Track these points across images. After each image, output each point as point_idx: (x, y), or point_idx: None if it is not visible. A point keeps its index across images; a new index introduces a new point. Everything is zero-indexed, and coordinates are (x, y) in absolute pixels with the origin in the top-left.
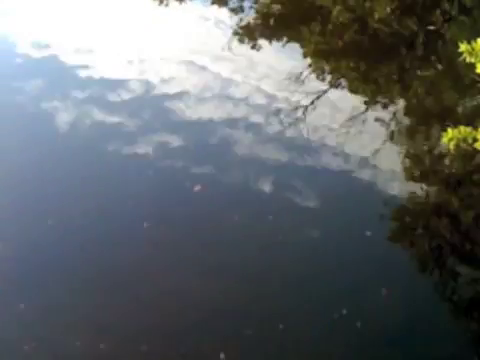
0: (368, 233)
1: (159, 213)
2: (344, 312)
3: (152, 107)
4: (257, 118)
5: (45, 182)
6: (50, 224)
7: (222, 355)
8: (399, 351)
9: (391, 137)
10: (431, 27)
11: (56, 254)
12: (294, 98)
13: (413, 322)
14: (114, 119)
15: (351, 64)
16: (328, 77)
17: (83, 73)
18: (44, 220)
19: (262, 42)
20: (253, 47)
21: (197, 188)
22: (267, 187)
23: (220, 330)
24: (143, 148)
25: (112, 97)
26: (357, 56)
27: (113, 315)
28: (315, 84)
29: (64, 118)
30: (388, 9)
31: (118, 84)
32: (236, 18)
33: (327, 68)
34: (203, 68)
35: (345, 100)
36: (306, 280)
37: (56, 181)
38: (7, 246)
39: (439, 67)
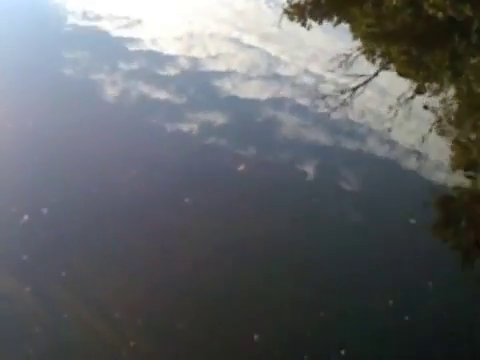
0: (412, 221)
1: (201, 190)
2: (390, 303)
3: (198, 83)
4: (303, 99)
5: (88, 153)
6: (94, 191)
7: None
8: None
9: (439, 125)
10: None
11: (104, 217)
12: (342, 80)
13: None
14: (160, 94)
15: (402, 48)
16: (378, 60)
17: (132, 46)
18: (91, 187)
19: (312, 22)
20: (303, 27)
21: (241, 167)
22: (311, 170)
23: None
24: (187, 124)
25: (159, 71)
26: (409, 40)
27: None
28: (364, 67)
29: (111, 90)
30: None
31: (165, 59)
32: None
33: (377, 51)
34: (251, 46)
35: (394, 85)
36: (351, 267)
37: (100, 152)
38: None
39: None
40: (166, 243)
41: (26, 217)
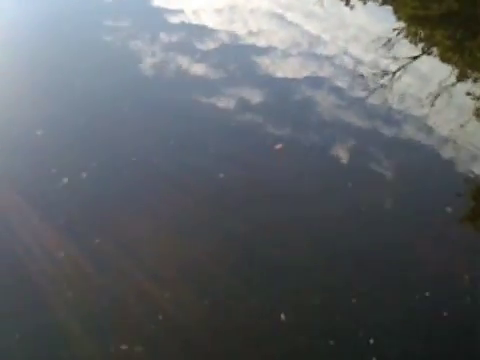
0: (448, 209)
1: (235, 166)
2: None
3: (237, 59)
4: (342, 80)
5: (126, 122)
6: (133, 160)
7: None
8: None
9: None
10: None
11: (140, 187)
12: (382, 63)
13: None
14: (198, 68)
15: (446, 32)
16: (420, 44)
17: (172, 18)
18: (130, 155)
19: (356, 2)
20: (346, 6)
21: (278, 146)
22: (347, 153)
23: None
24: (224, 100)
25: (198, 45)
26: (454, 25)
27: None
28: (405, 50)
29: (149, 61)
30: None
31: (205, 32)
32: None
33: (420, 34)
34: (292, 24)
35: (435, 70)
36: (385, 256)
37: (137, 122)
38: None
39: None
40: (200, 214)
41: (66, 180)
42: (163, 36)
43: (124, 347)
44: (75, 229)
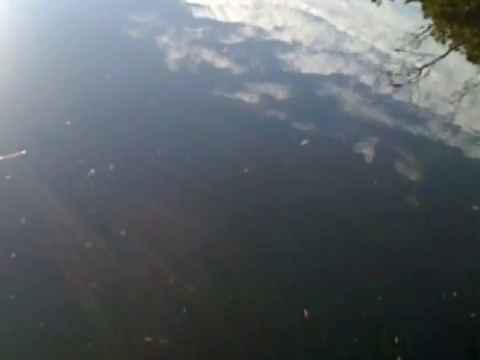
0: (475, 207)
1: (260, 161)
2: (454, 295)
3: (262, 54)
4: (367, 77)
5: (150, 118)
6: (160, 154)
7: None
8: None
9: None
10: None
11: (165, 181)
12: (408, 60)
13: None
14: (223, 62)
15: (475, 31)
16: (448, 42)
17: (197, 12)
18: (156, 149)
19: None
20: (373, 2)
21: (304, 142)
22: (372, 150)
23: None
24: (249, 95)
25: (224, 40)
26: None
27: None
28: (433, 48)
29: (175, 55)
30: None
31: (230, 27)
32: None
33: (448, 32)
34: (318, 19)
35: (462, 68)
36: (412, 254)
37: (162, 116)
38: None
39: None
40: (224, 213)
41: (93, 171)
42: (189, 31)
43: (148, 339)
44: (101, 220)
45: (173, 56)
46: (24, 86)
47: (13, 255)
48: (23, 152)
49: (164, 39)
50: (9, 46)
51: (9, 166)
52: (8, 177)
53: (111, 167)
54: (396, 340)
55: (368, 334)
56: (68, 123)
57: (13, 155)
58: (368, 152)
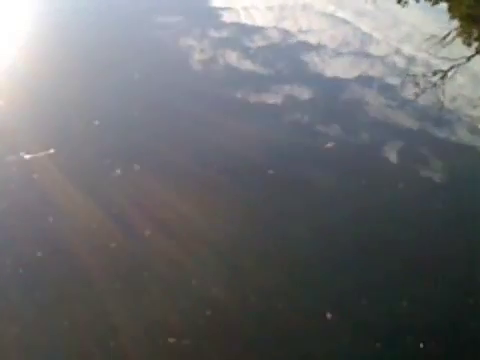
0: None
1: (284, 163)
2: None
3: (286, 57)
4: (392, 79)
5: (176, 118)
6: (185, 154)
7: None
8: None
9: None
10: None
11: (191, 182)
12: (434, 62)
13: None
14: (248, 64)
15: None
16: (474, 44)
17: (223, 15)
18: (181, 153)
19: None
20: (398, 4)
21: (329, 145)
22: (397, 153)
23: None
24: (274, 97)
25: (248, 42)
26: None
27: None
28: (458, 50)
29: (200, 57)
30: None
31: (256, 30)
32: None
33: (475, 34)
34: (344, 21)
35: None
36: (437, 258)
37: (188, 117)
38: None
39: None
40: (249, 215)
41: (118, 171)
42: (214, 33)
43: (172, 340)
44: (126, 220)
45: (199, 57)
46: (54, 86)
47: (39, 254)
48: (51, 151)
49: (190, 41)
50: (41, 47)
51: (37, 165)
52: (35, 176)
53: (137, 167)
54: (421, 346)
55: (392, 339)
56: (96, 122)
57: (41, 154)
58: (393, 155)
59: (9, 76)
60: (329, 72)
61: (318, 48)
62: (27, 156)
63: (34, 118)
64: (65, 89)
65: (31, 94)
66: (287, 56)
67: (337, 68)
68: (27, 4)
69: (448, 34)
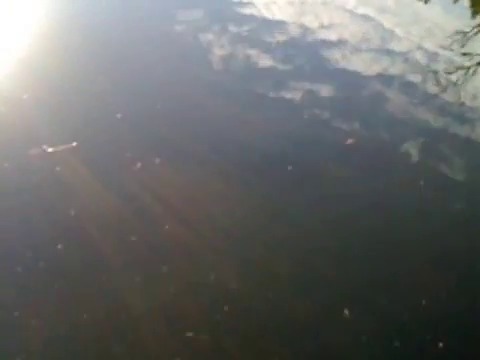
0: None
1: (305, 159)
2: None
3: (307, 52)
4: (414, 76)
5: (197, 114)
6: (207, 149)
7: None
8: None
9: None
10: None
11: (212, 180)
12: (456, 59)
13: None
14: (268, 60)
15: None
16: None
17: (242, 9)
18: (202, 149)
19: None
20: (421, 0)
21: (349, 141)
22: (418, 151)
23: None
24: (293, 92)
25: (267, 38)
26: None
27: None
28: None
29: (218, 52)
30: None
31: (276, 25)
32: None
33: None
34: (365, 17)
35: None
36: (460, 260)
37: (209, 112)
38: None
39: None
40: (272, 211)
41: (139, 164)
42: (234, 28)
43: (190, 334)
44: (146, 214)
45: (219, 53)
46: (78, 80)
47: (60, 246)
48: (74, 144)
49: (211, 36)
50: (64, 42)
51: (60, 158)
52: (58, 168)
53: (157, 161)
54: (441, 345)
55: (410, 338)
56: (118, 115)
57: (64, 147)
58: (414, 152)
59: (34, 70)
60: (350, 68)
61: (339, 44)
62: (50, 149)
63: (57, 111)
64: (88, 83)
65: (55, 88)
66: (307, 51)
67: (358, 64)
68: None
69: (471, 30)
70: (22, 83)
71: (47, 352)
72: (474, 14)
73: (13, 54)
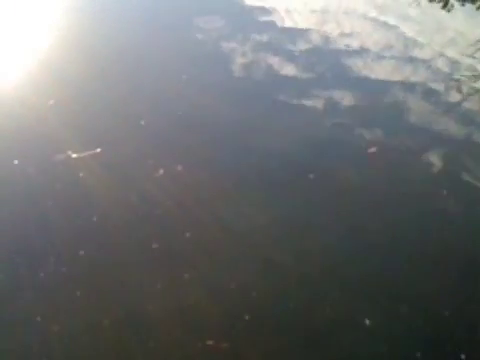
0: None
1: (324, 167)
2: None
3: (328, 61)
4: (436, 85)
5: (219, 122)
6: (228, 156)
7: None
8: None
9: None
10: None
11: (229, 183)
12: (479, 67)
13: None
14: (288, 68)
15: None
16: None
17: (263, 17)
18: (224, 158)
19: (454, 3)
20: (443, 8)
21: (372, 150)
22: (440, 160)
23: None
24: (315, 100)
25: (289, 46)
26: None
27: None
28: None
29: (240, 59)
30: None
31: (298, 33)
32: None
33: None
34: (387, 25)
35: None
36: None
37: (229, 121)
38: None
39: None
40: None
41: (161, 171)
42: (256, 36)
43: (210, 342)
44: (168, 221)
45: (241, 60)
46: (103, 86)
47: (82, 252)
48: (98, 150)
49: (233, 44)
50: (89, 50)
51: (83, 164)
52: (81, 174)
53: (179, 168)
54: (463, 357)
55: (432, 349)
56: (142, 122)
57: (88, 152)
58: (438, 161)
59: (60, 76)
60: (372, 76)
61: (361, 52)
62: (74, 155)
63: (83, 117)
64: (113, 89)
65: (80, 94)
66: (329, 59)
67: (380, 72)
68: (71, 6)
69: None
70: (48, 89)
71: (68, 357)
72: None
73: (40, 61)
